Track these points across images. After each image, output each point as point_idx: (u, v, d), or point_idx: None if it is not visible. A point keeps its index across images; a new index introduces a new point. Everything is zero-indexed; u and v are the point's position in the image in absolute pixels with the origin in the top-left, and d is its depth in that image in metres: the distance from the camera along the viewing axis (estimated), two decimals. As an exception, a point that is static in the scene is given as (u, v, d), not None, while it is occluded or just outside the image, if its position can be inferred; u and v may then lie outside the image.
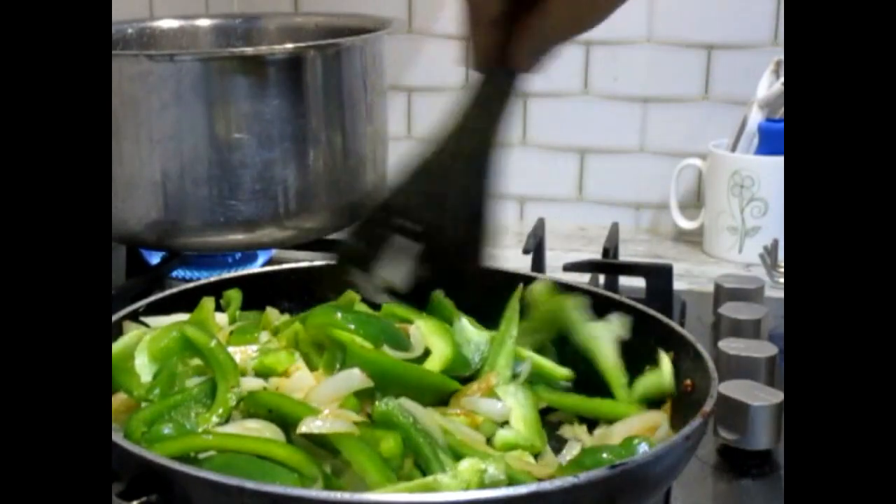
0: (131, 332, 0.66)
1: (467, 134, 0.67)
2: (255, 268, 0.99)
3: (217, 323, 0.69)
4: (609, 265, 0.94)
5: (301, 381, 0.61)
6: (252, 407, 0.59)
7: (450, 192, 0.68)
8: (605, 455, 0.56)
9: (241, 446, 0.55)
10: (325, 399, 0.58)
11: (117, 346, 0.64)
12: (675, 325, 0.66)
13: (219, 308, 0.71)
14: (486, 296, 0.74)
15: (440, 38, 1.26)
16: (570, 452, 0.63)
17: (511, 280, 0.74)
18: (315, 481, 0.53)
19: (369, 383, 0.59)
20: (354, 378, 0.59)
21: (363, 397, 0.59)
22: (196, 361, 0.63)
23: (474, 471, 0.53)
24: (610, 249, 0.97)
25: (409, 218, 0.69)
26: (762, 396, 0.69)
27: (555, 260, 1.00)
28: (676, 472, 0.56)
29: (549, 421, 0.67)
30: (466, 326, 0.68)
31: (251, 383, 0.61)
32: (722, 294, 0.90)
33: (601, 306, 0.71)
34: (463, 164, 0.68)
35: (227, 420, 0.58)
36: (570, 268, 0.92)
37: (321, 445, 0.56)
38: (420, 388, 0.61)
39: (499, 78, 0.66)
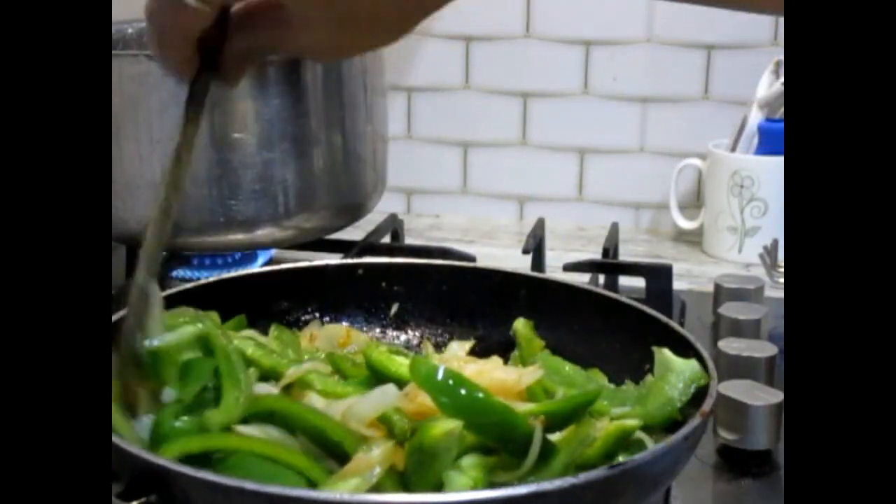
0: (185, 328, 0.62)
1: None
2: (255, 268, 0.99)
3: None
4: (609, 265, 0.94)
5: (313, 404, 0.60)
6: (259, 409, 0.58)
7: None
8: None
9: (249, 447, 0.55)
10: (362, 418, 0.57)
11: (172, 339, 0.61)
12: (675, 325, 0.66)
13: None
14: (485, 296, 0.74)
15: (440, 38, 1.26)
16: None
17: (510, 280, 0.75)
18: (322, 484, 0.53)
19: (400, 401, 0.57)
20: (389, 395, 0.57)
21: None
22: None
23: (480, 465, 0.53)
24: (610, 249, 0.97)
25: None
26: (762, 396, 0.69)
27: (555, 260, 1.00)
28: (676, 472, 0.56)
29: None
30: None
31: (261, 389, 0.61)
32: (722, 294, 0.90)
33: (601, 306, 0.71)
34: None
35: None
36: (570, 268, 0.92)
37: (328, 451, 0.56)
38: None
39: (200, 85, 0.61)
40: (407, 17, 0.56)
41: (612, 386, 0.67)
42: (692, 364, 0.62)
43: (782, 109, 1.12)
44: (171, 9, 0.56)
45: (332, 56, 0.60)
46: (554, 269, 0.97)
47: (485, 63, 1.26)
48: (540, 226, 0.99)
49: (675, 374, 0.61)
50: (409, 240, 1.15)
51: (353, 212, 0.98)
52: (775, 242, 1.05)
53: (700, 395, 0.59)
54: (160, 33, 0.59)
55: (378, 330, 0.77)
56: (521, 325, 0.72)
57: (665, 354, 0.64)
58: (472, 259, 0.91)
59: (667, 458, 0.53)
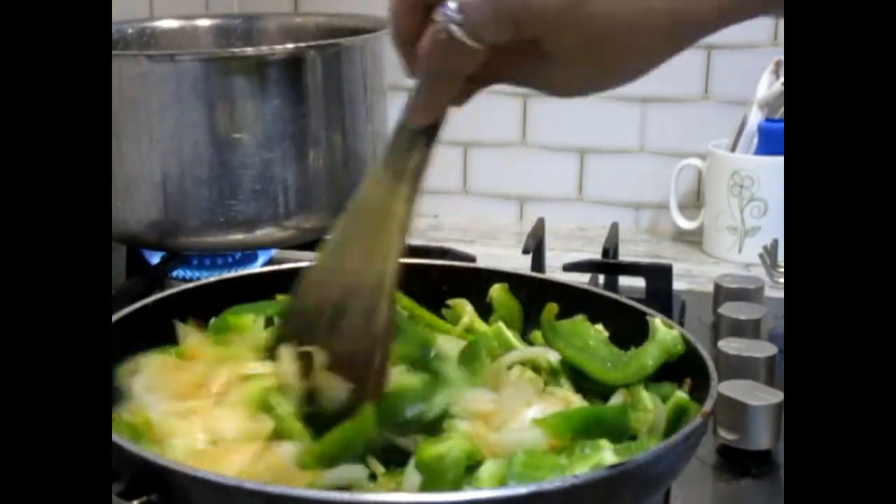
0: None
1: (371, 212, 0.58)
2: (255, 268, 0.99)
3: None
4: (609, 265, 0.94)
5: None
6: None
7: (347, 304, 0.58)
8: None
9: None
10: None
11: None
12: (674, 324, 0.66)
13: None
14: (485, 296, 0.74)
15: (440, 38, 1.26)
16: None
17: (510, 280, 0.75)
18: None
19: None
20: None
21: None
22: None
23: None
24: (610, 249, 0.97)
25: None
26: (762, 396, 0.69)
27: (555, 260, 1.00)
28: (676, 472, 0.56)
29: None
30: None
31: None
32: (722, 294, 0.90)
33: (601, 306, 0.71)
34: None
35: None
36: (569, 268, 0.92)
37: None
38: None
39: (419, 135, 0.57)
40: (655, 52, 0.54)
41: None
42: (672, 334, 0.64)
43: (782, 109, 1.12)
44: (448, 54, 0.52)
45: (577, 92, 0.58)
46: (554, 269, 0.97)
47: (485, 63, 1.26)
48: (540, 226, 0.99)
49: (655, 343, 0.65)
50: (409, 240, 1.15)
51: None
52: (775, 242, 1.05)
53: (700, 394, 0.59)
54: (436, 72, 0.55)
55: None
56: (496, 292, 0.73)
57: (655, 323, 0.66)
58: (472, 259, 0.91)
59: (667, 458, 0.53)
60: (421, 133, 0.57)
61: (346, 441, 0.55)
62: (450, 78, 0.55)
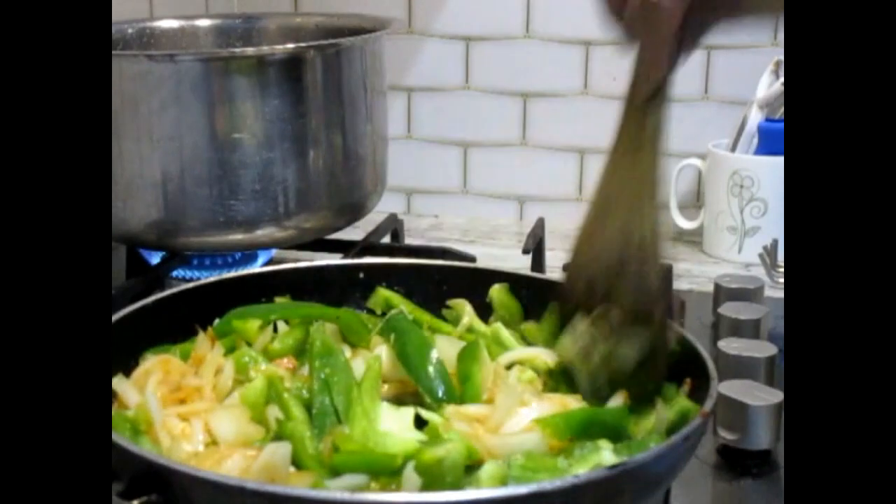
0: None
1: (624, 177, 0.64)
2: (255, 268, 0.99)
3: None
4: (609, 265, 0.94)
5: None
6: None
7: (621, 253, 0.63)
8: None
9: None
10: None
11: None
12: (675, 325, 0.66)
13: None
14: (485, 296, 0.74)
15: (440, 38, 1.26)
16: None
17: (510, 280, 0.75)
18: None
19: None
20: None
21: None
22: None
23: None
24: (610, 249, 0.96)
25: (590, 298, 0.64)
26: (762, 396, 0.69)
27: (555, 260, 1.00)
28: (676, 472, 0.56)
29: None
30: None
31: None
32: (722, 294, 0.90)
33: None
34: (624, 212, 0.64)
35: None
36: (569, 268, 0.92)
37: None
38: None
39: (647, 104, 0.62)
40: None
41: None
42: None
43: (782, 109, 1.12)
44: (649, 18, 0.58)
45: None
46: (554, 269, 0.97)
47: (485, 63, 1.26)
48: (540, 226, 0.99)
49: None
50: (409, 240, 1.15)
51: (353, 212, 0.99)
52: (775, 242, 1.05)
53: (700, 395, 0.59)
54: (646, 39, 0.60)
55: (378, 330, 0.77)
56: (496, 292, 0.74)
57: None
58: (472, 259, 0.91)
59: (667, 458, 0.53)
60: (648, 101, 0.62)
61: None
62: (658, 41, 0.59)
